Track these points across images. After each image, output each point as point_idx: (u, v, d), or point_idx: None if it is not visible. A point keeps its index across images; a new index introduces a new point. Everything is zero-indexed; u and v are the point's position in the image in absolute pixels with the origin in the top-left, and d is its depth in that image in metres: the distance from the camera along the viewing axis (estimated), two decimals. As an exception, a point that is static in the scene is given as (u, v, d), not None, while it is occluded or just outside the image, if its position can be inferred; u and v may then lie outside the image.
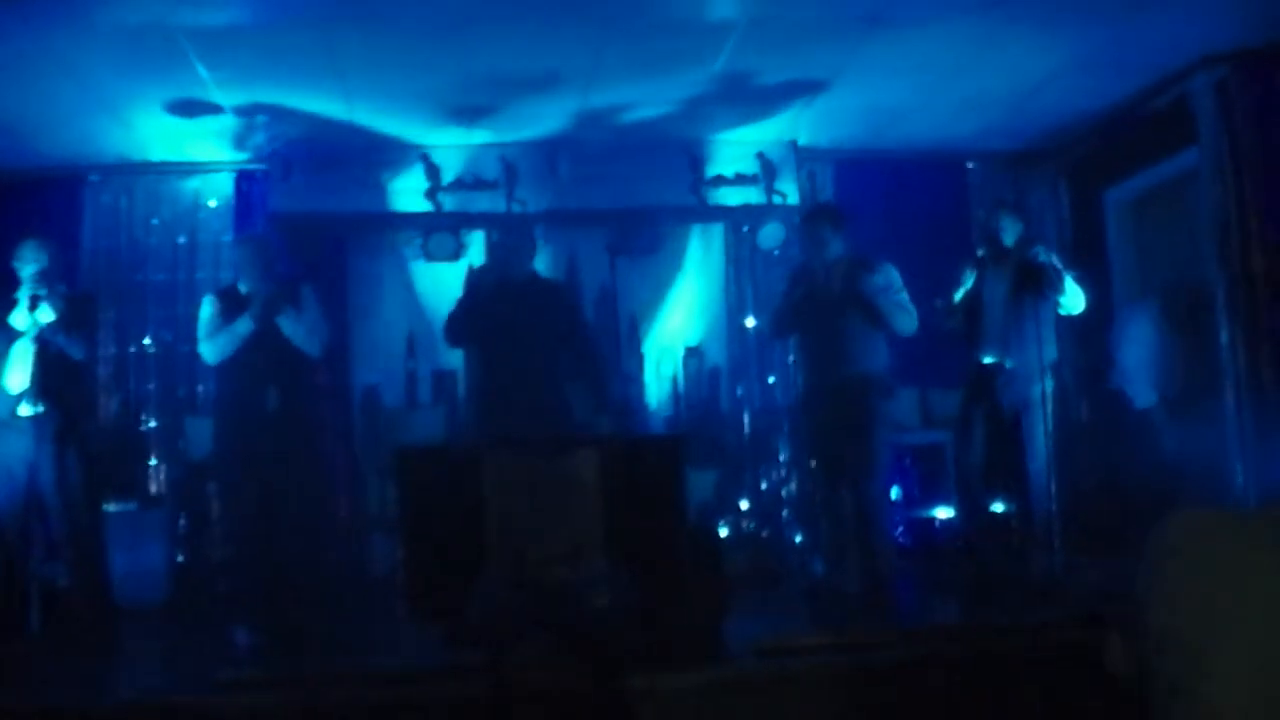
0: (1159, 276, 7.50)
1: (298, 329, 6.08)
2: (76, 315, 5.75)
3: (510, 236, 6.57)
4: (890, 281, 6.02)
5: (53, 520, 5.67)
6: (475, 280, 6.46)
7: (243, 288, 6.16)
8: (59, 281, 5.77)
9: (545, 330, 6.15)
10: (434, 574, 4.56)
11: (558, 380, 6.21)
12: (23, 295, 5.59)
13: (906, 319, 6.01)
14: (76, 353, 5.72)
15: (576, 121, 7.46)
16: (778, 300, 6.47)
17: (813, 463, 6.55)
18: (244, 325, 6.02)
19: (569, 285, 6.97)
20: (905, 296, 6.04)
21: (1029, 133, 7.98)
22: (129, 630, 6.00)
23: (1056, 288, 6.01)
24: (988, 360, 6.20)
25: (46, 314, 5.55)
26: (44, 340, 5.59)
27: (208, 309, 6.20)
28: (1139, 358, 6.58)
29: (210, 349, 6.14)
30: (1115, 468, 7.17)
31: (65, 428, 5.67)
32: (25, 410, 5.55)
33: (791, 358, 7.79)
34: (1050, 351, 6.10)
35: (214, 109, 6.89)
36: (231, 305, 6.11)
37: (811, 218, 6.43)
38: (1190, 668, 1.90)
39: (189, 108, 6.86)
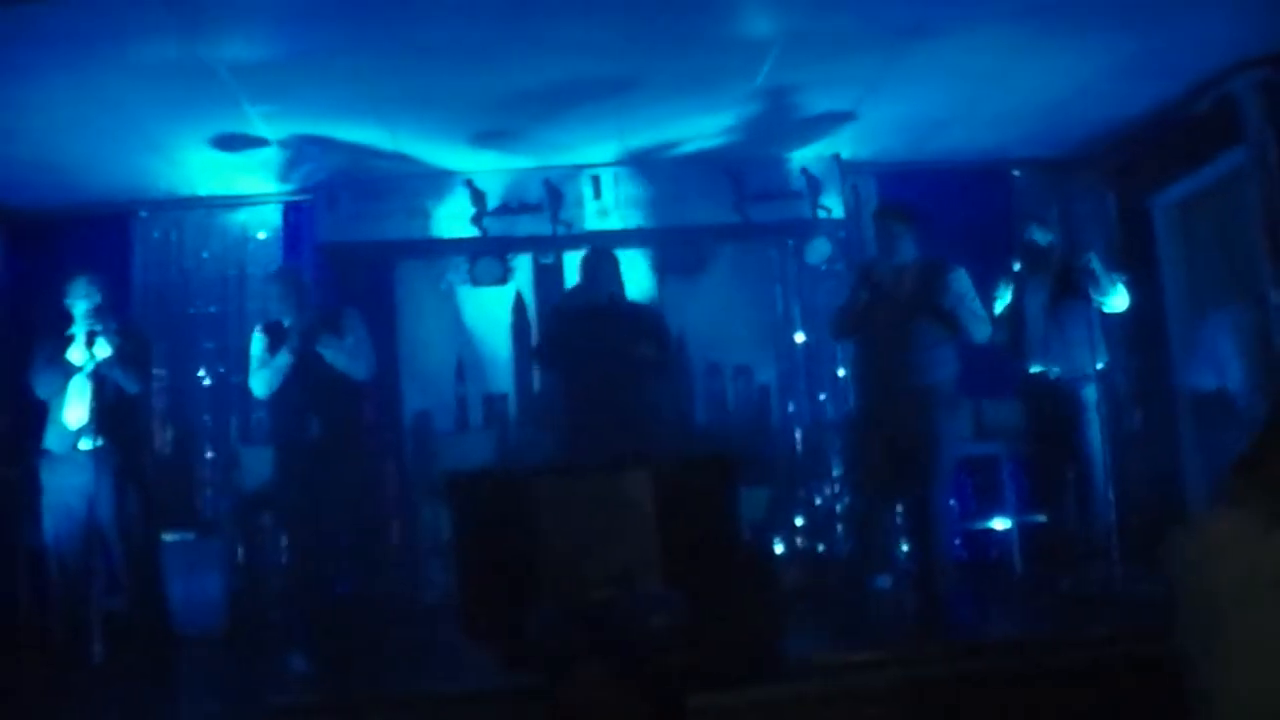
0: (1211, 279, 7.43)
1: (339, 355, 6.09)
2: (131, 350, 5.85)
3: (593, 259, 6.52)
4: (965, 288, 5.84)
5: (113, 551, 5.76)
6: (559, 305, 6.43)
7: (284, 322, 6.21)
8: (112, 317, 5.86)
9: (635, 356, 6.13)
10: (488, 598, 4.56)
11: (647, 401, 6.21)
12: (79, 331, 5.69)
13: (981, 326, 5.87)
14: (132, 386, 5.83)
15: (619, 141, 7.49)
16: (843, 299, 6.24)
17: (868, 476, 6.17)
18: (282, 359, 6.07)
19: (659, 309, 6.89)
20: (979, 303, 5.89)
21: (1072, 140, 7.92)
22: (186, 658, 6.06)
23: (1098, 288, 5.97)
24: (1036, 370, 6.16)
25: (104, 349, 5.67)
26: (101, 375, 5.70)
27: (256, 344, 6.26)
28: (1238, 362, 6.51)
29: (257, 383, 6.22)
30: (1173, 474, 7.09)
31: (123, 460, 5.77)
32: (85, 445, 5.63)
33: (844, 371, 7.73)
34: (1099, 357, 6.05)
35: (259, 142, 6.97)
36: (276, 339, 6.17)
37: (881, 215, 6.28)
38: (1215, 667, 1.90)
39: (234, 142, 6.94)
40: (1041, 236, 6.25)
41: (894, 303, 5.84)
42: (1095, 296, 5.98)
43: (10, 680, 5.60)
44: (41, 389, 5.82)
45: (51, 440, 5.82)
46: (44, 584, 6.04)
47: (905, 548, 6.69)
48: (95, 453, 5.63)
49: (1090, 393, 6.02)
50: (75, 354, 5.71)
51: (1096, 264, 6.04)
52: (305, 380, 6.05)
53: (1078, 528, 6.25)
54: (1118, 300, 6.07)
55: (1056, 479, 6.29)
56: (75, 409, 5.72)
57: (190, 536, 7.09)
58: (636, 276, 7.96)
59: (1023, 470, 7.35)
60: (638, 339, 6.18)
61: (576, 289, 6.65)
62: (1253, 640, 1.90)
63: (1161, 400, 7.64)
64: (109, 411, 5.72)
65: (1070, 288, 6.04)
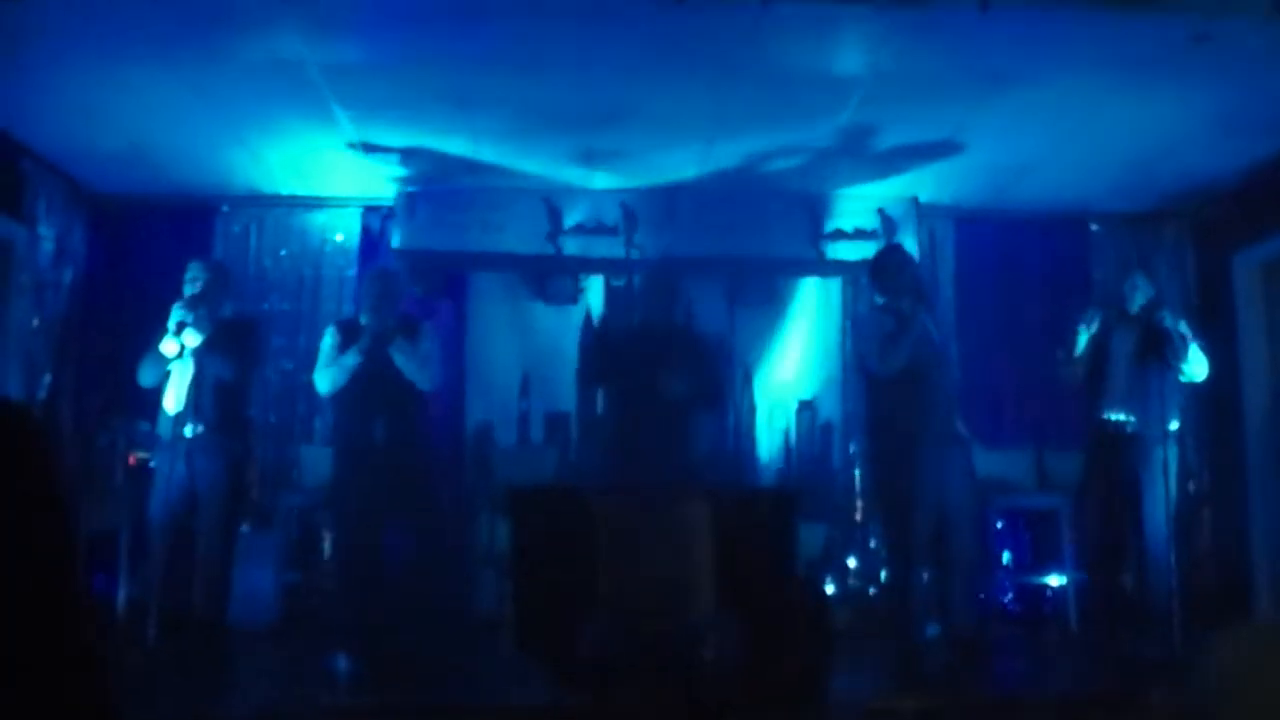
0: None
1: (410, 363, 6.07)
2: (230, 338, 5.95)
3: (651, 283, 6.49)
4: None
5: (198, 538, 5.86)
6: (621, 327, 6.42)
7: (362, 320, 6.22)
8: (208, 303, 5.94)
9: (686, 380, 6.06)
10: (542, 613, 4.58)
11: (696, 432, 6.14)
12: (171, 320, 5.80)
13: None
14: (227, 374, 5.91)
15: (698, 169, 7.50)
16: (878, 330, 5.99)
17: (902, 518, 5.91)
18: (351, 358, 6.05)
19: (718, 337, 6.88)
20: None
21: (1156, 193, 7.84)
22: (238, 649, 6.13)
23: (1180, 355, 5.91)
24: (1112, 418, 6.10)
25: (194, 337, 5.77)
26: (201, 362, 5.82)
27: (327, 340, 6.27)
28: None
29: (322, 379, 6.18)
30: (1240, 542, 6.98)
31: (219, 448, 5.88)
32: (187, 431, 5.77)
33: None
34: (1173, 418, 5.99)
35: (345, 145, 7.06)
36: (349, 337, 6.16)
37: (893, 252, 6.35)
38: None
39: (321, 142, 7.03)
40: (1144, 286, 6.19)
41: (930, 342, 5.86)
42: (1176, 362, 5.93)
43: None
44: (144, 375, 5.93)
45: (159, 425, 5.97)
46: (109, 568, 6.18)
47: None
48: (194, 439, 5.77)
49: (1162, 451, 5.95)
50: (168, 344, 5.82)
51: (1186, 329, 5.99)
52: (375, 383, 6.05)
53: (1135, 587, 6.17)
54: (1198, 369, 6.01)
55: (1117, 532, 6.21)
56: (173, 396, 5.86)
57: (247, 529, 7.16)
58: (707, 304, 7.98)
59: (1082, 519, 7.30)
60: (692, 367, 6.15)
61: (639, 313, 6.62)
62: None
63: (1233, 466, 7.54)
64: (206, 399, 5.84)
65: (1156, 345, 5.98)
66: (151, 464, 6.12)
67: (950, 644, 5.77)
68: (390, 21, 5.46)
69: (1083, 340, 6.15)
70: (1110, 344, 6.14)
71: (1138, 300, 6.15)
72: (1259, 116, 6.33)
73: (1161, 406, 5.89)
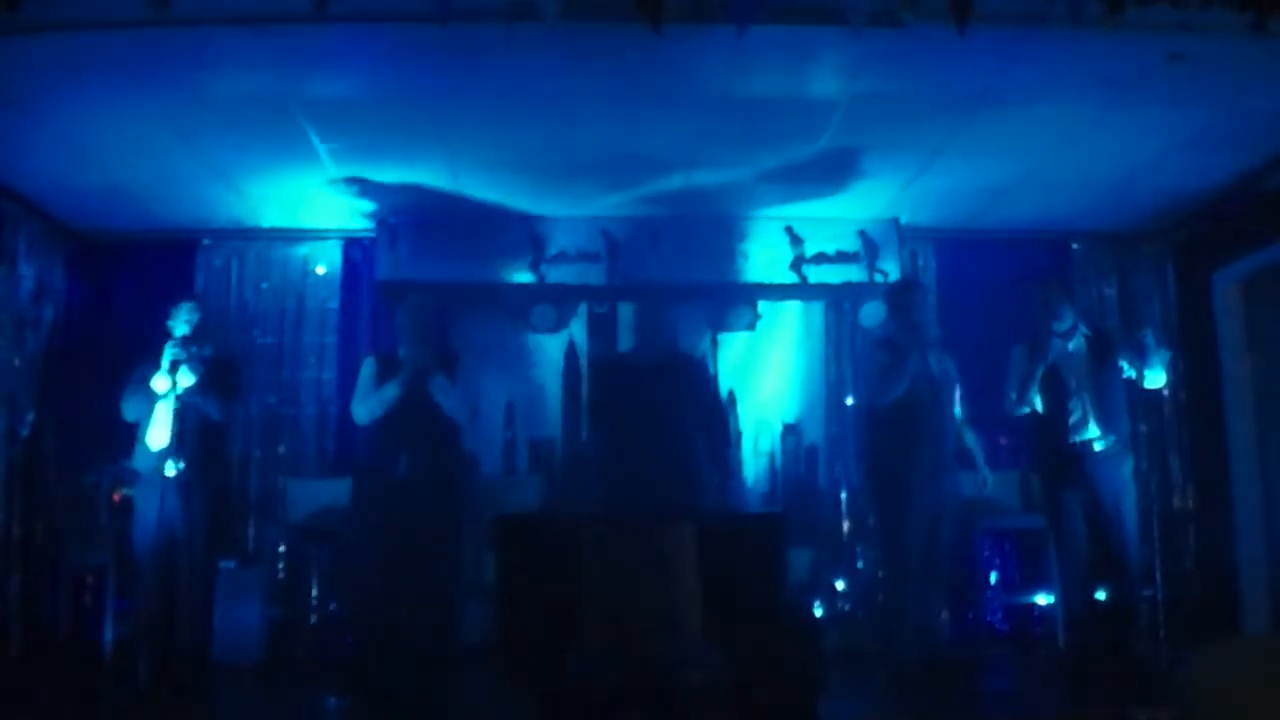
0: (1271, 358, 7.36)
1: (448, 398, 5.96)
2: (217, 377, 5.98)
3: (645, 313, 6.43)
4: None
5: (179, 575, 5.84)
6: (614, 358, 6.40)
7: (400, 353, 6.11)
8: (198, 342, 5.97)
9: (682, 407, 6.08)
10: (529, 643, 4.56)
11: (695, 459, 6.13)
12: (165, 358, 5.80)
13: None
14: (215, 414, 5.93)
15: (679, 196, 7.51)
16: (887, 362, 6.12)
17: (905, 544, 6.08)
18: (391, 390, 5.93)
19: (703, 360, 6.74)
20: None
21: (1135, 213, 7.88)
22: (223, 686, 6.09)
23: (1146, 362, 5.96)
24: (1075, 440, 6.11)
25: (187, 377, 5.79)
26: (184, 401, 5.84)
27: (365, 371, 6.15)
28: None
29: (361, 410, 6.06)
30: (1225, 553, 6.99)
31: (200, 486, 5.89)
32: (170, 469, 5.77)
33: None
34: (1127, 426, 6.03)
35: (325, 178, 7.06)
36: (387, 369, 6.05)
37: (909, 289, 6.40)
38: None
39: (301, 176, 7.03)
40: (1070, 317, 6.21)
41: (926, 373, 5.96)
42: (1138, 370, 5.96)
43: (60, 692, 5.68)
44: (129, 411, 5.96)
45: (139, 461, 5.96)
46: (97, 604, 6.17)
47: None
48: (176, 477, 5.77)
49: (1128, 464, 5.99)
50: (159, 381, 5.83)
51: (1150, 339, 6.03)
52: (406, 416, 5.94)
53: (1116, 603, 6.18)
54: (1157, 377, 6.04)
55: (1093, 551, 6.23)
56: (159, 432, 5.86)
57: (232, 565, 7.12)
58: (690, 330, 7.99)
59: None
60: (684, 395, 6.15)
61: (631, 342, 6.63)
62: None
63: (1216, 482, 7.55)
64: (190, 437, 5.87)
65: (1106, 357, 6.03)
66: (131, 497, 6.10)
67: (934, 664, 5.78)
68: (370, 58, 5.48)
69: (1015, 380, 6.19)
70: (1060, 368, 6.16)
71: (1066, 320, 6.17)
72: (1236, 135, 6.37)
73: (1112, 418, 5.95)
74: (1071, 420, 6.11)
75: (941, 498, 5.94)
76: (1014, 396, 6.18)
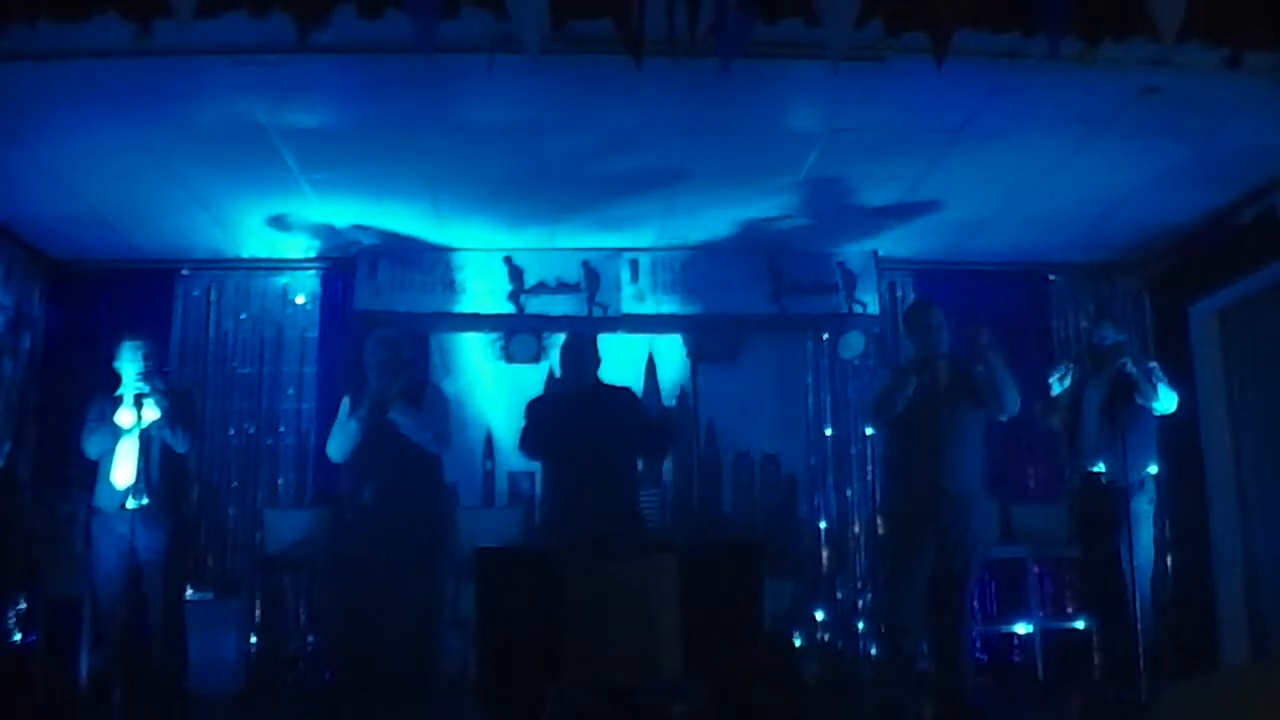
0: (1247, 388, 7.42)
1: (413, 426, 5.93)
2: (179, 410, 5.94)
3: (574, 346, 6.31)
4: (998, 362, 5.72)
5: (149, 607, 5.82)
6: (544, 393, 6.38)
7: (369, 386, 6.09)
8: (160, 378, 5.96)
9: (616, 435, 6.00)
10: (508, 675, 4.54)
11: (632, 486, 6.13)
12: (127, 393, 5.76)
13: (1015, 395, 5.68)
14: (180, 446, 5.91)
15: (659, 227, 7.55)
16: (882, 383, 5.96)
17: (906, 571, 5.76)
18: (352, 425, 5.94)
19: (630, 388, 6.79)
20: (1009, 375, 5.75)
21: (1112, 245, 7.93)
22: (200, 716, 6.05)
23: (1151, 394, 5.97)
24: (1093, 470, 6.13)
25: (152, 411, 5.74)
26: (149, 436, 5.82)
27: (342, 409, 6.13)
28: None
29: (333, 446, 6.08)
30: (1203, 584, 7.01)
31: (167, 518, 5.86)
32: (132, 504, 5.72)
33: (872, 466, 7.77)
34: (1150, 463, 6.04)
35: (305, 208, 7.06)
36: (357, 404, 6.03)
37: (924, 307, 6.19)
38: None
39: (281, 206, 7.04)
40: (1113, 335, 6.24)
41: (935, 391, 5.73)
42: (1148, 401, 5.99)
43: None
44: (91, 448, 5.92)
45: (101, 498, 5.91)
46: (72, 634, 6.13)
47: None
48: (141, 510, 5.71)
49: (1144, 498, 6.01)
50: (124, 416, 5.79)
51: (1158, 371, 6.08)
52: (370, 447, 5.94)
53: (1107, 635, 6.18)
54: (1168, 402, 6.07)
55: (1098, 583, 6.23)
56: (124, 468, 5.81)
57: (209, 595, 7.09)
58: (670, 362, 8.01)
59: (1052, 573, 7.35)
60: (614, 421, 6.03)
61: (561, 375, 6.51)
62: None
63: (1194, 510, 7.58)
64: (156, 471, 5.83)
65: (1126, 391, 6.02)
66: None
67: (939, 698, 5.73)
68: (352, 89, 5.50)
69: (1055, 390, 6.21)
70: (1084, 394, 6.18)
71: (1109, 346, 6.18)
72: (1212, 168, 6.42)
73: (1137, 454, 5.94)
74: (1086, 448, 6.16)
75: (961, 532, 5.58)
76: (1052, 416, 6.27)
